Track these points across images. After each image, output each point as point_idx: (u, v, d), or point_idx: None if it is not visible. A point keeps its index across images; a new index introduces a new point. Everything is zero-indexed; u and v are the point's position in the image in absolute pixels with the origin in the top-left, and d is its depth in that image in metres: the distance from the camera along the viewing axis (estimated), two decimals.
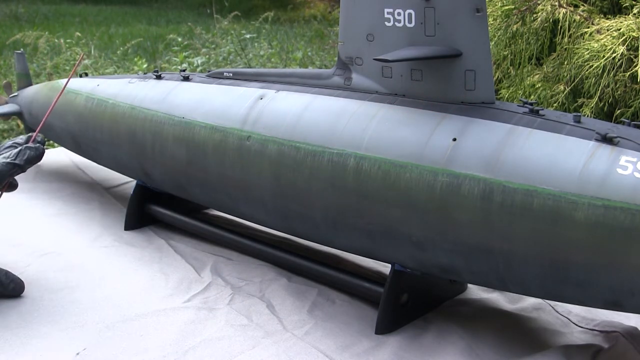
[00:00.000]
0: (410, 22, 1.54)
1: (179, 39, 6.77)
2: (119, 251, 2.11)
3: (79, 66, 2.18)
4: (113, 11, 12.80)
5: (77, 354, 1.55)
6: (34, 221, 2.35)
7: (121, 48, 6.83)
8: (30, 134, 1.85)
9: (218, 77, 2.10)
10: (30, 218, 2.38)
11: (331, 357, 1.54)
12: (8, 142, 1.86)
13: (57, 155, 3.10)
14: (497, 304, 1.82)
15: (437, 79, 1.56)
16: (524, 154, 1.38)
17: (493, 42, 3.12)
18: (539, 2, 3.04)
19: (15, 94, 2.93)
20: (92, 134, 2.36)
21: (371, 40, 1.64)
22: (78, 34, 6.68)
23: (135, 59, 6.10)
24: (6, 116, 3.05)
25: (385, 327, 1.65)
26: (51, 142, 3.08)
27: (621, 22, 2.77)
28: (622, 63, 2.72)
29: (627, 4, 2.89)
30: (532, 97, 3.05)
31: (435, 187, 1.45)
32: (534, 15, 3.07)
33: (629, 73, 2.70)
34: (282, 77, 1.91)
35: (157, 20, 11.59)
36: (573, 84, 2.93)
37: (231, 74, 2.06)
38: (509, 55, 3.18)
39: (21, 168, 1.78)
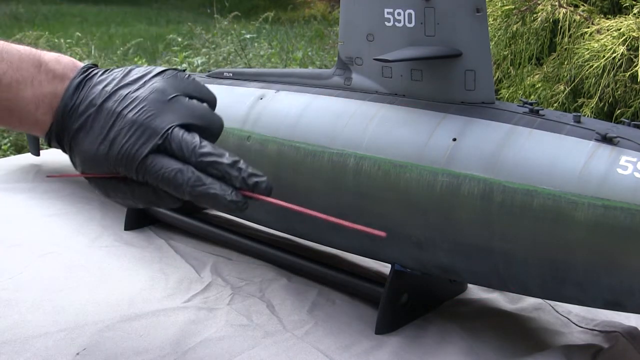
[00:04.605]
0: (410, 22, 1.54)
1: (179, 39, 6.78)
2: (119, 251, 2.11)
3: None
4: (113, 11, 12.80)
5: (77, 354, 1.55)
6: (34, 221, 2.35)
7: (121, 48, 6.83)
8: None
9: (218, 77, 2.09)
10: (30, 218, 2.38)
11: (331, 357, 1.54)
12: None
13: (57, 155, 3.10)
14: (497, 304, 1.82)
15: (437, 79, 1.56)
16: (524, 154, 1.38)
17: (493, 42, 3.12)
18: (539, 2, 3.04)
19: None
20: None
21: (371, 40, 1.64)
22: (78, 34, 6.69)
23: (135, 59, 6.10)
24: None
25: (385, 327, 1.65)
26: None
27: (621, 22, 2.78)
28: (622, 63, 2.72)
29: (627, 4, 2.90)
30: (532, 97, 3.05)
31: (435, 187, 1.45)
32: (534, 15, 3.07)
33: (629, 73, 2.70)
34: (282, 77, 1.91)
35: (157, 20, 11.59)
36: (573, 84, 2.93)
37: (231, 74, 2.06)
38: (509, 55, 3.19)
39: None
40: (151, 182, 1.03)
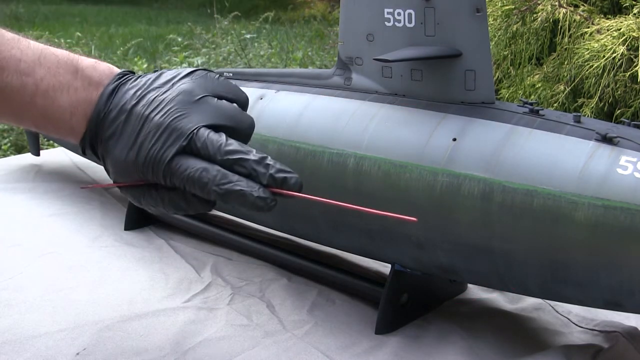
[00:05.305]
0: (410, 22, 1.54)
1: (179, 39, 6.79)
2: (119, 251, 2.11)
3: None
4: (113, 11, 12.80)
5: (77, 354, 1.55)
6: (34, 221, 2.35)
7: (121, 48, 6.84)
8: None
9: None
10: (30, 218, 2.38)
11: (331, 357, 1.54)
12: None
13: (57, 155, 3.10)
14: (497, 304, 1.82)
15: (437, 79, 1.56)
16: (524, 154, 1.38)
17: (493, 42, 3.12)
18: (539, 2, 3.04)
19: None
20: None
21: (371, 40, 1.64)
22: (78, 34, 6.70)
23: (135, 59, 6.11)
24: None
25: (385, 327, 1.65)
26: (51, 142, 3.09)
27: (621, 22, 2.78)
28: (622, 63, 2.72)
29: (627, 4, 2.90)
30: (532, 97, 3.05)
31: (435, 187, 1.45)
32: (534, 15, 3.07)
33: (629, 73, 2.70)
34: (282, 77, 1.91)
35: (157, 20, 11.60)
36: (573, 84, 2.93)
37: (231, 74, 2.06)
38: (509, 55, 3.19)
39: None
40: (178, 184, 1.01)
